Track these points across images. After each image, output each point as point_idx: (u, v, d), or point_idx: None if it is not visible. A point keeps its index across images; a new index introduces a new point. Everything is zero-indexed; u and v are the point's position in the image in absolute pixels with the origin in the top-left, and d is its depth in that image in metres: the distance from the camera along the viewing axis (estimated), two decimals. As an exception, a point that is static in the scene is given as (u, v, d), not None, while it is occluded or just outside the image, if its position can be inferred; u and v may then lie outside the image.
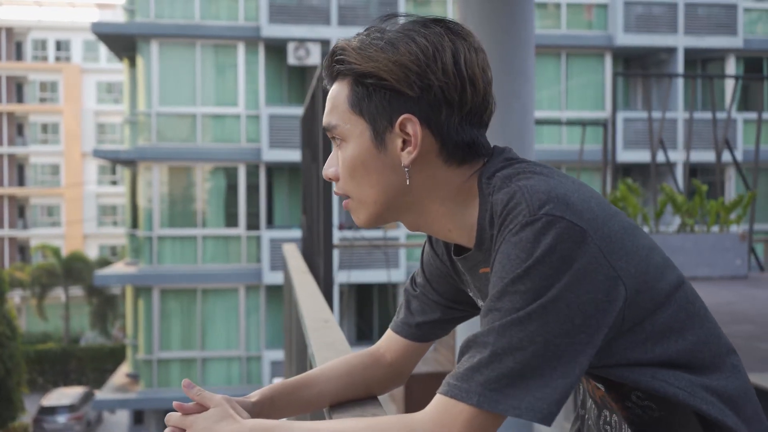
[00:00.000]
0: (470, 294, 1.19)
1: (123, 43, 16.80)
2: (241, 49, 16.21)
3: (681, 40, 16.97)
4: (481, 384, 0.88)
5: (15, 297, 31.16)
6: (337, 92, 1.05)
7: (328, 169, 1.08)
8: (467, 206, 1.04)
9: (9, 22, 37.98)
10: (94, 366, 27.18)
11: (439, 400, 0.92)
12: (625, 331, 0.95)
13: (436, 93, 1.00)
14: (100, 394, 17.90)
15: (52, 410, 21.85)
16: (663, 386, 0.97)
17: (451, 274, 1.21)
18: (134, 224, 17.84)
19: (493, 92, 1.08)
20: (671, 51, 17.10)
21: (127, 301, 19.54)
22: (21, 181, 37.74)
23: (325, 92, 1.12)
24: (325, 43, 16.03)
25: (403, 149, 1.01)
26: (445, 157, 1.02)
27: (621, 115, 16.45)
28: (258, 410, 1.14)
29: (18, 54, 38.45)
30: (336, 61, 1.04)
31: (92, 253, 36.18)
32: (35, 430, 21.94)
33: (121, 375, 18.75)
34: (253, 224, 16.39)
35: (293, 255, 4.20)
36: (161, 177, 16.32)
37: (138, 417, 20.05)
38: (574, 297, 0.89)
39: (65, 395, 22.75)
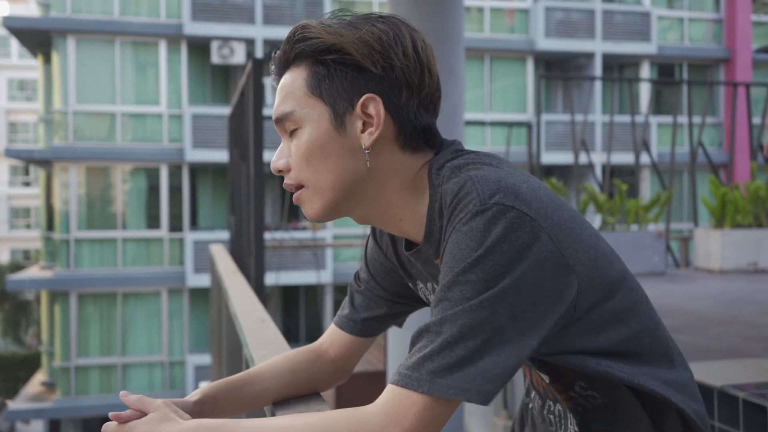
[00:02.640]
0: (417, 288, 1.19)
1: (37, 38, 16.16)
2: (162, 46, 15.84)
3: (599, 46, 17.54)
4: (431, 372, 0.88)
5: None
6: (293, 78, 1.03)
7: (279, 161, 1.05)
8: (419, 197, 1.03)
9: None
10: (6, 375, 26.07)
11: (390, 390, 0.91)
12: (574, 319, 0.96)
13: (397, 74, 1.00)
14: (13, 405, 17.17)
15: (-39, 423, 20.86)
16: (606, 371, 0.99)
17: (396, 269, 1.20)
18: (50, 227, 17.20)
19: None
20: (590, 56, 17.65)
21: (42, 307, 18.82)
22: (-75, 182, 35.87)
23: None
24: (249, 42, 15.84)
25: (363, 131, 1.00)
26: (402, 142, 1.02)
27: (542, 118, 16.87)
28: (200, 410, 1.11)
29: None
30: (298, 40, 1.02)
31: (3, 257, 34.71)
32: (-58, 444, 20.92)
33: (35, 384, 18.07)
34: (176, 226, 16.04)
35: (221, 256, 4.12)
36: (78, 178, 15.77)
37: (54, 426, 19.33)
38: (525, 286, 0.89)
39: (-25, 406, 21.76)
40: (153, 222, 16.00)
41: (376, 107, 0.99)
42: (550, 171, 17.66)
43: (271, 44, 16.18)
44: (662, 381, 1.02)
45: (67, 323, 15.66)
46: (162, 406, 1.01)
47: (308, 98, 1.01)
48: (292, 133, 1.03)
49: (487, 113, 17.42)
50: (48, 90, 17.00)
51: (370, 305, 1.22)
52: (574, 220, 0.98)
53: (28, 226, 35.45)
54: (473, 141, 17.22)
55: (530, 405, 1.22)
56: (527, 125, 9.00)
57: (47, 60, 16.95)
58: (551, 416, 1.14)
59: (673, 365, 1.05)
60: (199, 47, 16.10)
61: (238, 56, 15.39)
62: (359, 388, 4.83)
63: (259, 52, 15.64)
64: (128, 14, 15.80)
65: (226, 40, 15.49)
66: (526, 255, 0.89)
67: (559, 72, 18.33)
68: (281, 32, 15.77)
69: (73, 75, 15.43)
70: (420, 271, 1.14)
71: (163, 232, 15.93)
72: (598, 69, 17.38)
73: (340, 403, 5.16)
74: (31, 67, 33.24)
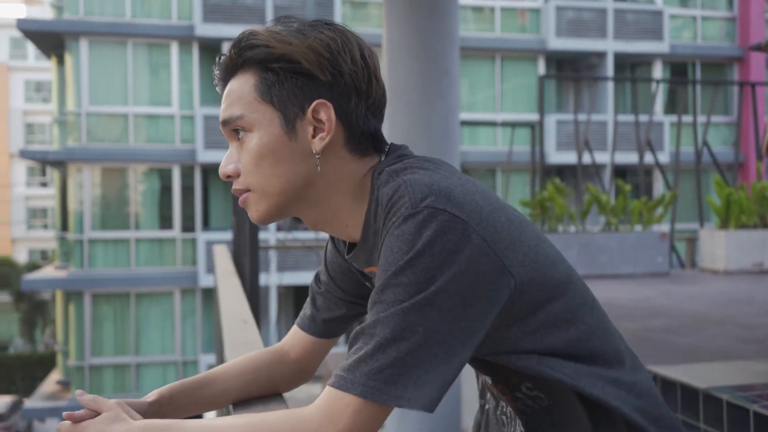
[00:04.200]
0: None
1: (51, 40, 16.32)
2: (174, 48, 15.94)
3: (610, 45, 17.45)
4: (366, 374, 0.90)
5: (-61, 304, 29.96)
6: (241, 84, 1.03)
7: (227, 166, 1.05)
8: (363, 201, 1.05)
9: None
10: (24, 374, 26.32)
11: (327, 391, 0.93)
12: (516, 320, 0.97)
13: (346, 80, 1.02)
14: (30, 403, 17.35)
15: (-22, 421, 21.08)
16: (547, 371, 0.99)
17: (353, 271, 1.22)
18: (64, 227, 17.36)
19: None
20: (601, 55, 17.57)
21: (57, 307, 19.00)
22: (-56, 183, 36.30)
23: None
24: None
25: (314, 136, 1.02)
26: (351, 147, 1.03)
27: (553, 117, 16.81)
28: (155, 410, 1.12)
29: (-60, 51, 36.93)
30: (245, 48, 1.03)
31: (21, 257, 35.03)
32: (-40, 442, 21.15)
33: (51, 382, 18.24)
34: (188, 226, 16.14)
35: (222, 256, 4.16)
36: (92, 178, 15.91)
37: (69, 425, 19.50)
38: (458, 288, 0.90)
39: (-7, 404, 21.99)
40: (166, 222, 16.11)
41: (327, 113, 1.01)
42: (561, 171, 17.59)
43: (282, 45, 16.22)
44: (609, 381, 1.02)
45: (82, 323, 15.80)
46: (114, 406, 1.03)
47: (258, 103, 1.02)
48: (238, 138, 1.04)
49: (498, 113, 17.39)
50: (62, 92, 17.16)
51: (330, 306, 1.24)
52: (513, 223, 0.99)
53: (45, 227, 35.78)
54: (484, 141, 17.20)
55: (486, 406, 1.24)
56: (531, 126, 8.98)
57: (61, 62, 17.11)
58: (504, 417, 1.15)
59: (623, 366, 1.05)
60: (211, 48, 16.19)
61: (249, 57, 15.47)
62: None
63: (270, 53, 15.69)
64: (140, 16, 15.92)
65: (237, 41, 15.58)
66: (457, 257, 0.91)
67: (570, 71, 18.26)
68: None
69: (86, 77, 15.57)
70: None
71: (175, 232, 16.03)
72: (609, 68, 17.30)
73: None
74: (47, 69, 33.53)
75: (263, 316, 14.97)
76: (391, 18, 3.61)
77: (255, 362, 1.24)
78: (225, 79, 1.06)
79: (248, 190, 1.05)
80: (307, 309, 1.26)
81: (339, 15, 16.26)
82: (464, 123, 8.89)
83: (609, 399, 1.01)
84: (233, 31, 15.66)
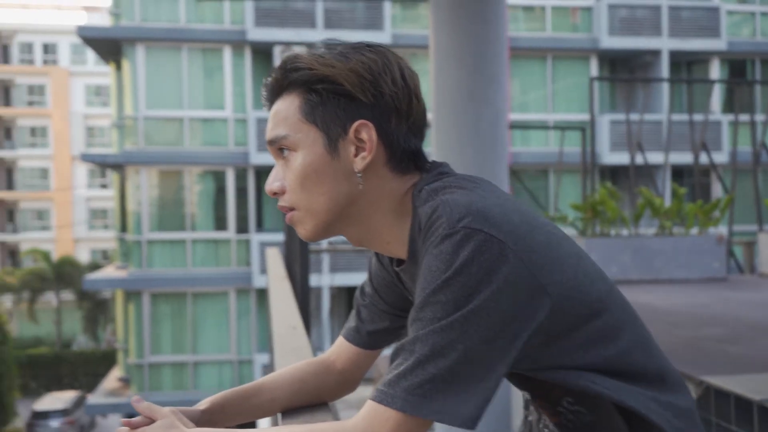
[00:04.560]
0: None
1: (109, 46, 16.77)
2: (227, 52, 16.22)
3: (665, 43, 17.08)
4: (405, 389, 0.93)
5: (5, 301, 31.02)
6: (287, 105, 1.07)
7: (273, 183, 1.10)
8: (404, 219, 1.08)
9: (-4, 25, 37.80)
10: (86, 370, 27.09)
11: (368, 405, 0.97)
12: (556, 337, 1.00)
13: (387, 101, 1.05)
14: (92, 399, 17.85)
15: (44, 415, 21.76)
16: (588, 385, 1.01)
17: (397, 284, 1.24)
18: (124, 228, 17.81)
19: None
20: (656, 53, 17.21)
21: (118, 306, 19.50)
22: (10, 185, 37.56)
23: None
24: (310, 46, 16.05)
25: (356, 155, 1.05)
26: (393, 165, 1.07)
27: (607, 118, 16.54)
28: (207, 418, 1.17)
29: (4, 57, 38.26)
30: (290, 70, 1.07)
31: (83, 257, 36.01)
32: (28, 435, 21.86)
33: (112, 379, 18.70)
34: (242, 228, 16.40)
35: (274, 260, 4.24)
36: (150, 180, 16.30)
37: (129, 421, 19.98)
38: (495, 306, 0.94)
39: (58, 400, 22.66)
40: (220, 224, 16.41)
41: (368, 133, 1.04)
42: (615, 172, 17.30)
43: (333, 48, 16.35)
44: (651, 399, 1.03)
45: (141, 322, 16.20)
46: (169, 414, 1.09)
47: (302, 124, 1.06)
48: (284, 157, 1.09)
49: (550, 113, 17.19)
50: (120, 96, 17.62)
51: (375, 318, 1.26)
52: (551, 241, 1.02)
53: (105, 227, 36.75)
54: (536, 142, 17.03)
55: (529, 417, 1.26)
56: (580, 128, 8.86)
57: (118, 67, 17.56)
58: (546, 430, 1.17)
59: (664, 385, 1.06)
60: (262, 52, 16.41)
61: (301, 60, 15.63)
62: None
63: (321, 56, 15.83)
64: (194, 22, 16.25)
65: (288, 44, 15.76)
66: (494, 277, 0.94)
67: (624, 70, 17.94)
68: (342, 36, 15.87)
69: (142, 81, 15.97)
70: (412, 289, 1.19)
71: (230, 233, 16.31)
72: (664, 67, 16.94)
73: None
74: (106, 73, 34.41)
75: (316, 317, 15.12)
76: (438, 24, 3.63)
77: (302, 372, 1.29)
78: (271, 100, 1.11)
79: (293, 209, 1.09)
80: (352, 321, 1.30)
81: (388, 16, 16.30)
82: (514, 126, 8.84)
83: (651, 415, 1.02)
84: (284, 35, 15.86)
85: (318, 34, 15.98)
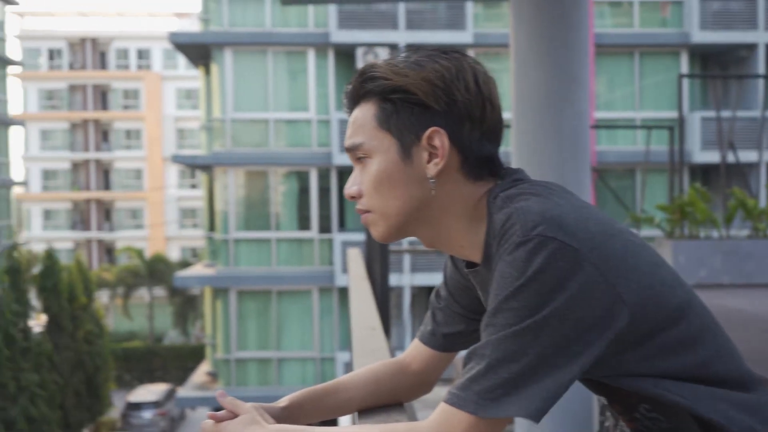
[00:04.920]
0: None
1: (198, 51, 17.34)
2: (311, 55, 16.51)
3: (761, 37, 16.34)
4: (477, 393, 0.96)
5: (103, 297, 32.47)
6: (363, 113, 1.11)
7: (351, 187, 1.14)
8: (478, 224, 1.10)
9: (94, 32, 39.62)
10: (177, 364, 28.07)
11: (441, 408, 0.99)
12: (632, 345, 1.00)
13: (460, 108, 1.07)
14: (182, 392, 18.48)
15: (138, 406, 22.64)
16: (664, 393, 1.01)
17: (471, 287, 1.27)
18: (212, 227, 18.37)
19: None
20: (751, 47, 16.49)
21: (206, 302, 20.12)
22: (107, 186, 39.33)
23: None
24: (393, 47, 16.16)
25: (429, 161, 1.08)
26: (466, 171, 1.09)
27: (698, 115, 15.96)
28: (287, 415, 1.21)
29: (102, 63, 40.07)
30: (366, 80, 1.11)
31: (174, 254, 37.32)
32: (123, 425, 22.82)
33: (201, 373, 19.30)
34: (325, 227, 16.66)
35: (355, 261, 4.31)
36: (236, 181, 16.77)
37: (217, 415, 20.57)
38: (569, 314, 0.95)
39: (150, 392, 23.55)
40: (304, 223, 16.72)
41: (440, 140, 1.07)
42: (707, 171, 16.68)
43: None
44: (733, 405, 1.02)
45: (228, 318, 16.68)
46: (251, 409, 1.14)
47: (377, 131, 1.10)
48: (361, 162, 1.13)
49: (638, 111, 16.73)
50: (208, 99, 18.18)
51: (449, 321, 1.29)
52: (628, 249, 1.02)
53: (195, 226, 37.98)
54: (623, 140, 16.59)
55: (606, 423, 1.26)
56: (668, 127, 8.59)
57: (207, 71, 18.13)
58: None
59: (747, 390, 1.05)
60: (345, 54, 16.62)
61: (383, 62, 15.74)
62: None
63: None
64: (279, 26, 16.60)
65: (370, 46, 15.90)
66: (568, 284, 0.95)
67: (717, 66, 17.26)
68: (424, 37, 15.97)
69: (230, 85, 16.43)
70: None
71: (313, 233, 16.60)
72: (761, 62, 16.20)
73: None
74: (196, 77, 35.56)
75: (397, 317, 15.21)
76: (518, 23, 3.61)
77: (378, 373, 1.32)
78: (351, 107, 1.15)
79: (368, 211, 1.13)
80: (427, 323, 1.32)
81: (470, 16, 16.23)
82: (600, 124, 8.63)
83: (730, 424, 1.01)
84: (367, 36, 16.01)
85: (400, 36, 16.05)
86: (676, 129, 8.10)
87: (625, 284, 0.98)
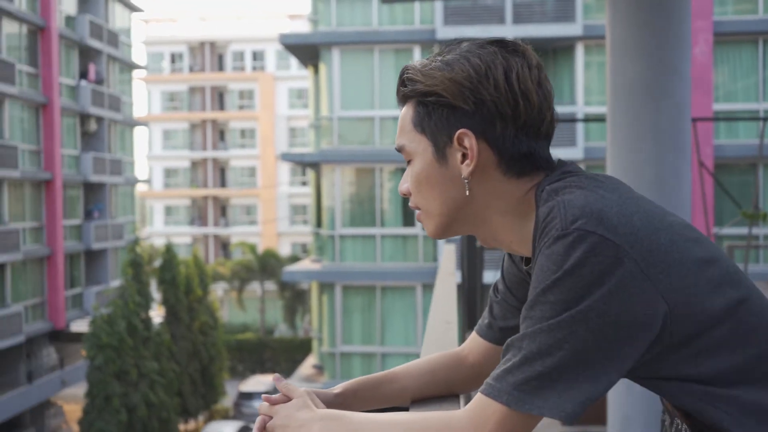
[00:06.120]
0: None
1: (308, 51, 17.77)
2: (417, 52, 16.58)
3: None
4: (511, 384, 0.95)
5: (218, 290, 33.88)
6: (404, 114, 1.14)
7: (402, 185, 1.17)
8: (527, 219, 1.09)
9: (212, 36, 41.35)
10: (286, 356, 28.94)
11: (477, 398, 0.99)
12: (675, 344, 0.97)
13: (489, 107, 1.06)
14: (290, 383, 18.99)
15: (249, 396, 23.49)
16: (709, 410, 0.98)
17: (528, 281, 1.26)
18: (319, 223, 18.81)
19: (553, 105, 1.12)
20: None
21: (313, 297, 20.61)
22: (223, 183, 40.97)
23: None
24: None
25: (463, 162, 1.08)
26: (504, 169, 1.08)
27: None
28: (340, 401, 1.24)
29: (220, 65, 41.76)
30: (402, 82, 1.14)
31: (285, 250, 38.45)
32: (235, 414, 23.75)
33: (308, 366, 19.80)
34: (429, 224, 16.69)
35: (448, 257, 4.31)
36: (343, 178, 17.08)
37: (323, 408, 21.06)
38: (606, 309, 0.93)
39: (261, 382, 24.38)
40: (409, 220, 16.83)
41: (470, 141, 1.07)
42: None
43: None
44: None
45: (333, 312, 17.03)
46: (303, 394, 1.16)
47: (415, 134, 1.12)
48: (409, 162, 1.16)
49: (762, 102, 15.81)
50: (317, 98, 18.61)
51: (507, 315, 1.28)
52: (676, 244, 0.98)
53: (305, 222, 39.00)
54: (744, 133, 15.73)
55: (665, 421, 1.22)
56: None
57: (316, 71, 18.55)
58: None
59: None
60: (451, 51, 16.57)
61: (489, 57, 15.61)
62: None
63: (509, 52, 15.72)
64: (385, 24, 16.77)
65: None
66: (607, 279, 0.93)
67: None
68: (531, 30, 15.71)
69: (337, 83, 16.75)
70: None
71: (417, 229, 16.68)
72: None
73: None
74: (306, 77, 36.46)
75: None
76: (614, 16, 3.50)
77: (433, 364, 1.33)
78: (400, 108, 1.18)
79: (418, 208, 1.15)
80: (485, 317, 1.32)
81: (580, 7, 15.83)
82: (718, 116, 8.20)
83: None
84: (473, 32, 15.92)
85: (507, 30, 15.87)
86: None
87: (666, 281, 0.95)
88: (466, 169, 1.08)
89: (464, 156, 1.09)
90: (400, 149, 1.15)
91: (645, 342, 0.96)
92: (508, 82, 1.07)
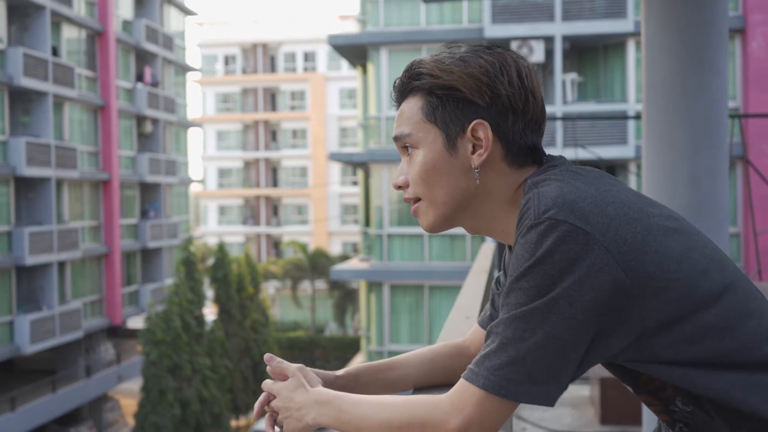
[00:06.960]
0: None
1: (356, 52, 17.87)
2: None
3: None
4: (488, 369, 0.99)
5: (270, 288, 34.33)
6: (410, 106, 1.17)
7: (399, 177, 1.20)
8: (516, 209, 1.13)
9: (264, 38, 41.89)
10: (336, 354, 29.13)
11: (459, 382, 1.03)
12: (651, 329, 1.00)
13: (503, 101, 1.11)
14: (339, 382, 19.12)
15: (299, 393, 23.69)
16: (689, 385, 1.00)
17: None
18: (367, 222, 18.90)
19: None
20: None
21: (361, 296, 20.73)
22: (275, 183, 41.47)
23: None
24: (548, 40, 15.83)
25: (473, 152, 1.13)
26: (510, 160, 1.13)
27: None
28: (341, 384, 1.28)
29: (272, 67, 42.28)
30: (413, 76, 1.17)
31: (336, 249, 38.69)
32: (285, 411, 23.97)
33: (357, 364, 19.93)
34: (477, 223, 16.64)
35: (484, 254, 4.34)
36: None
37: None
38: (578, 296, 0.96)
39: (311, 380, 24.58)
40: (456, 219, 16.78)
41: (485, 132, 1.11)
42: None
43: (570, 40, 15.98)
44: None
45: (381, 311, 17.11)
46: (296, 372, 1.19)
47: (424, 123, 1.15)
48: (408, 153, 1.19)
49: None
50: (365, 98, 18.70)
51: None
52: (653, 232, 1.01)
53: (355, 222, 39.19)
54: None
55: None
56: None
57: (364, 71, 18.64)
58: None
59: None
60: (500, 49, 16.47)
61: (537, 55, 15.47)
62: (623, 392, 4.72)
63: (557, 49, 15.55)
64: (433, 23, 16.76)
65: (525, 39, 15.67)
66: (577, 266, 0.96)
67: None
68: (581, 27, 15.51)
69: (385, 84, 16.81)
70: None
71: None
72: None
73: (605, 405, 5.08)
74: (356, 78, 36.64)
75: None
76: (649, 10, 3.47)
77: (435, 353, 1.37)
78: (399, 101, 1.21)
79: (417, 200, 1.18)
80: (487, 309, 1.36)
81: (631, 3, 15.56)
82: (763, 114, 8.01)
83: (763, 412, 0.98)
84: (521, 30, 15.80)
85: (555, 27, 15.70)
86: None
87: (639, 269, 0.98)
88: (477, 159, 1.12)
89: (474, 147, 1.12)
90: (400, 137, 1.17)
91: (617, 327, 0.99)
92: (520, 79, 1.12)
